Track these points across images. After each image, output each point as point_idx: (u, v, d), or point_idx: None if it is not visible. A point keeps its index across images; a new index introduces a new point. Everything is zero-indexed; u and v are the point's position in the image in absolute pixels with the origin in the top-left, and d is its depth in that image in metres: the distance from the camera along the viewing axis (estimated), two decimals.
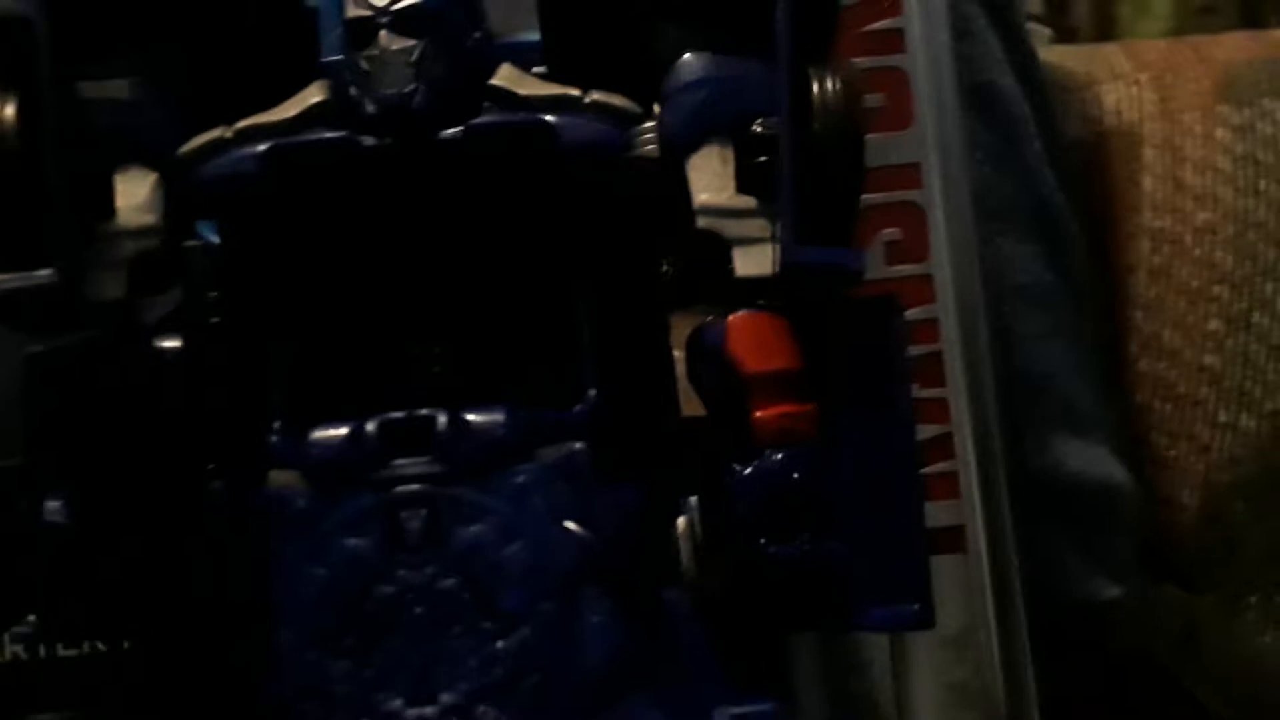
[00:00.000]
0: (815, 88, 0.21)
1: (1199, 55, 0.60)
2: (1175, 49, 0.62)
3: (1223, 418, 0.55)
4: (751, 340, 0.21)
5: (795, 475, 0.20)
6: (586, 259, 0.23)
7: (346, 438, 0.22)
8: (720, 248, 0.21)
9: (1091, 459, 0.45)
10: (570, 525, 0.21)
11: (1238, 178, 0.56)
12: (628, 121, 0.22)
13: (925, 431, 0.31)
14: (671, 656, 0.21)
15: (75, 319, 0.22)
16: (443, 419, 0.22)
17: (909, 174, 0.31)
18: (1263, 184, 0.57)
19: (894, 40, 0.31)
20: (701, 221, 0.22)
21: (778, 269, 0.21)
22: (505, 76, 0.22)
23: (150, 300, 0.23)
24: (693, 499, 0.22)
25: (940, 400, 0.31)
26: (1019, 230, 0.45)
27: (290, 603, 0.22)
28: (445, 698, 0.21)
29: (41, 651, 0.29)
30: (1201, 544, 0.54)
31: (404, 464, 0.22)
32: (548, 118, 0.22)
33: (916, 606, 0.21)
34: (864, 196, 0.30)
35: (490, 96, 0.22)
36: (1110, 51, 0.62)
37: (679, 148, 0.22)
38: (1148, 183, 0.56)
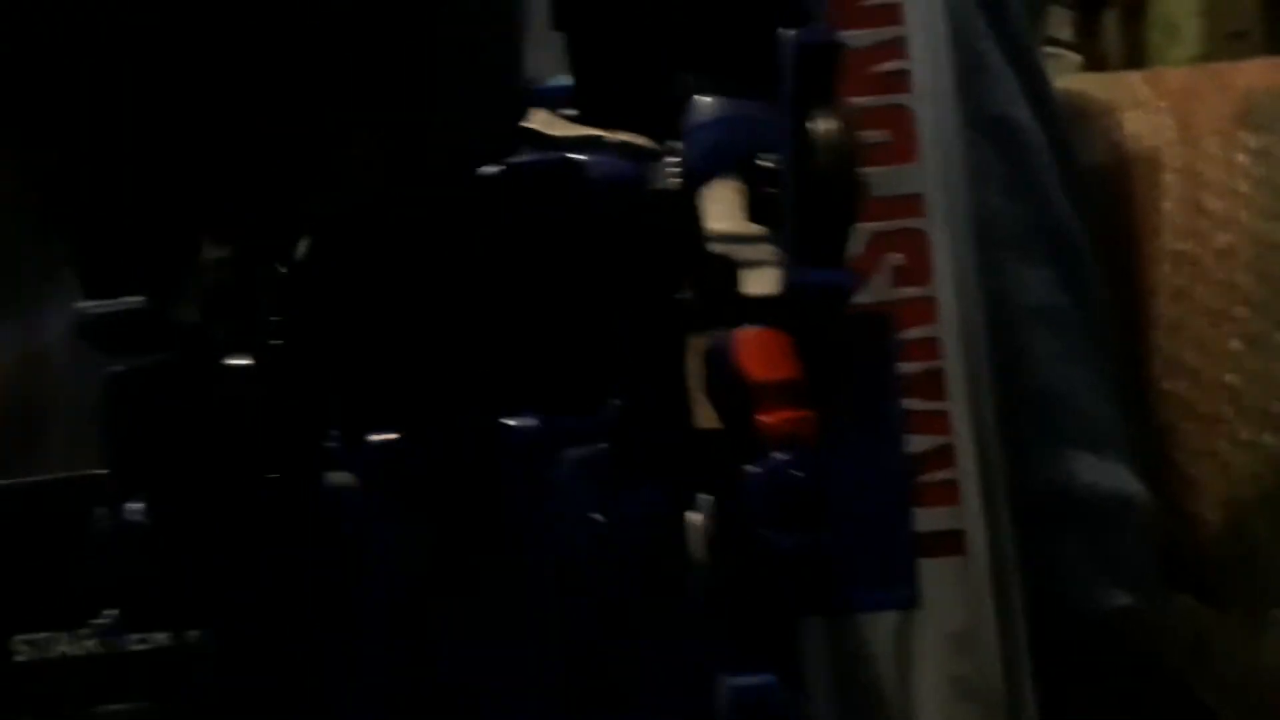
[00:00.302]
0: (814, 127, 0.23)
1: (1218, 82, 0.62)
2: (1195, 76, 0.63)
3: (1244, 436, 0.56)
4: (757, 352, 0.23)
5: (798, 474, 0.23)
6: (612, 282, 0.25)
7: (398, 443, 0.24)
8: (730, 270, 0.24)
9: (1105, 472, 0.47)
10: (597, 517, 0.24)
11: (1257, 201, 0.58)
12: (647, 158, 0.25)
13: (928, 442, 0.33)
14: (681, 636, 0.23)
15: (157, 343, 0.24)
16: (482, 424, 0.24)
17: (913, 203, 0.33)
18: None
19: (900, 81, 0.34)
20: (714, 247, 0.24)
21: (781, 289, 0.23)
22: (539, 120, 0.25)
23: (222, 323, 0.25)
24: (707, 496, 0.24)
25: (942, 413, 0.33)
26: (1033, 256, 0.47)
27: (347, 598, 0.24)
28: (493, 686, 0.23)
29: (117, 645, 0.31)
30: (1224, 560, 0.55)
31: (448, 466, 0.24)
32: (576, 156, 0.25)
33: (903, 590, 0.23)
34: (872, 224, 0.32)
35: (526, 138, 0.25)
36: (1132, 79, 0.63)
37: (696, 179, 0.25)
38: (1168, 207, 0.58)
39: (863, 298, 0.32)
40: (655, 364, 0.25)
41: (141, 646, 0.30)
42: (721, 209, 0.24)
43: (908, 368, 0.33)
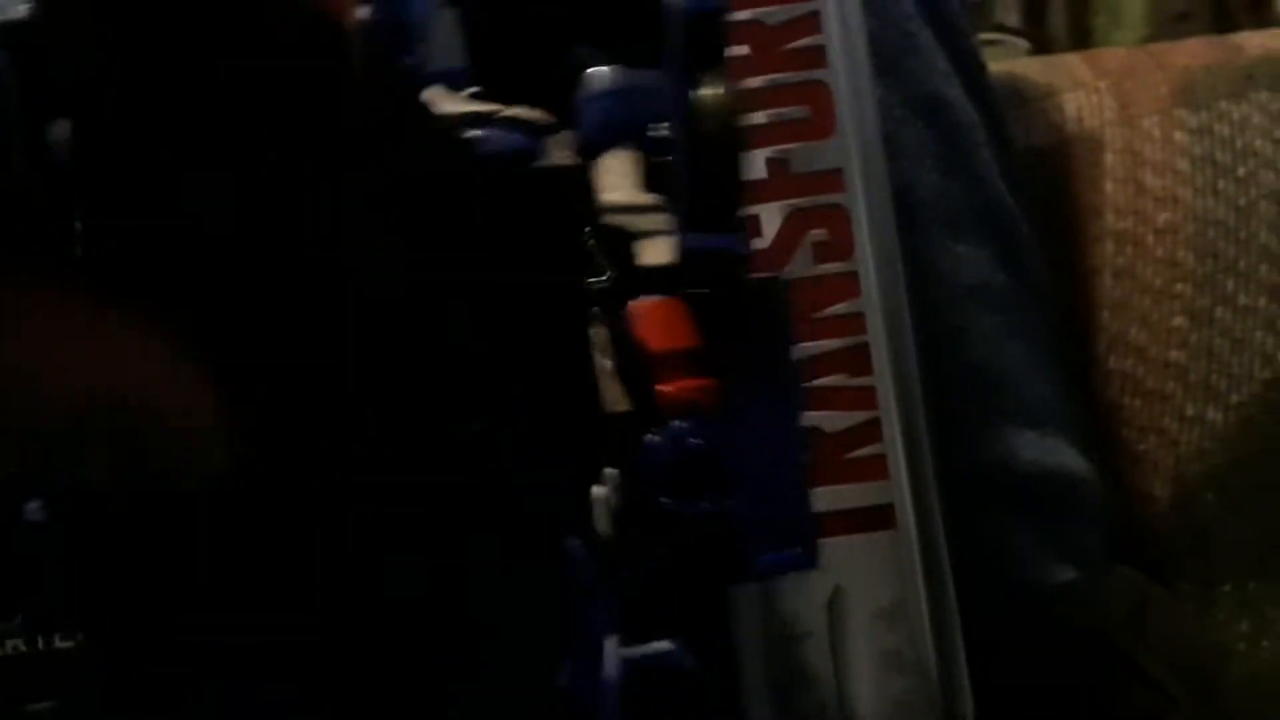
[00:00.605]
0: (701, 94, 0.23)
1: (1157, 62, 0.62)
2: (1134, 56, 0.64)
3: (1190, 411, 0.57)
4: (654, 323, 0.23)
5: (697, 441, 0.23)
6: (504, 258, 0.25)
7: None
8: (627, 241, 0.24)
9: (1047, 449, 0.47)
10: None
11: (1197, 179, 0.58)
12: (539, 132, 0.25)
13: (854, 418, 0.33)
14: (577, 604, 0.23)
15: None
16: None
17: (833, 179, 0.33)
18: (1221, 184, 0.58)
19: (816, 56, 0.34)
20: (608, 219, 0.24)
21: (676, 257, 0.23)
22: (431, 97, 0.25)
23: None
24: (611, 470, 0.24)
25: (868, 388, 0.33)
26: (969, 234, 0.47)
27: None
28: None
29: (40, 644, 0.31)
30: (1173, 536, 0.56)
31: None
32: (464, 132, 0.24)
33: (803, 551, 0.23)
34: (791, 200, 0.32)
35: (416, 115, 0.25)
36: (1070, 60, 0.64)
37: (591, 151, 0.25)
38: (1109, 186, 0.58)
39: (785, 273, 0.32)
40: (553, 343, 0.25)
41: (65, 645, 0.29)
42: (617, 180, 0.24)
43: (831, 343, 0.33)
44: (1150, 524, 0.56)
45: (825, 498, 0.32)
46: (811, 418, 0.32)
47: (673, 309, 0.24)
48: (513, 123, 0.24)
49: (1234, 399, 0.59)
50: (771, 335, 0.24)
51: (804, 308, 0.32)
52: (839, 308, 0.33)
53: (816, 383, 0.33)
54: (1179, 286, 0.59)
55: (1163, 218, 0.60)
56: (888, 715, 0.32)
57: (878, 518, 0.33)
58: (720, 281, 0.24)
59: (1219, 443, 0.58)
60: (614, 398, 0.25)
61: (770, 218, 0.33)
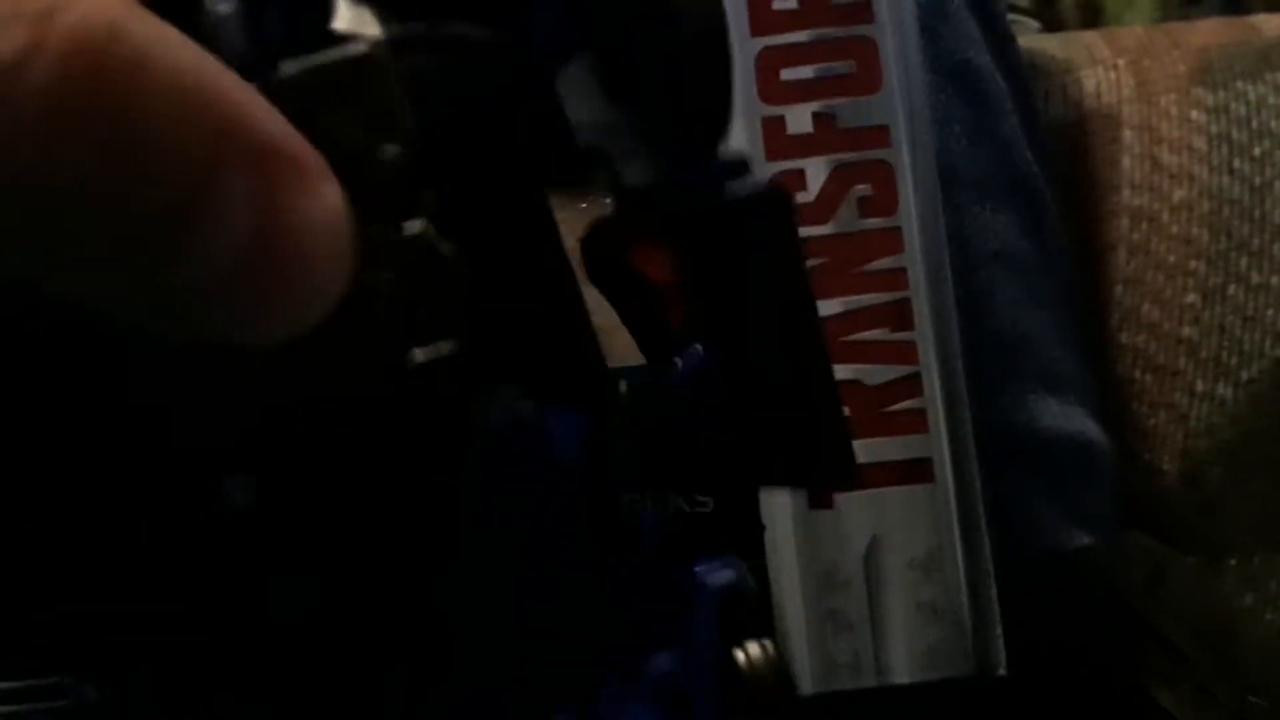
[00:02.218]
0: None
1: (1175, 40, 0.63)
2: (1152, 34, 0.64)
3: (1200, 387, 0.57)
4: (654, 252, 0.22)
5: (710, 365, 0.22)
6: (471, 190, 0.22)
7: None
8: (605, 161, 0.21)
9: (1066, 416, 0.48)
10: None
11: (1213, 157, 0.59)
12: (486, 51, 0.21)
13: (895, 372, 0.33)
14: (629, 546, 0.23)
15: None
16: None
17: (879, 134, 0.34)
18: (1236, 162, 0.59)
19: (864, 12, 0.34)
20: (582, 138, 0.21)
21: (662, 176, 0.21)
22: (346, 19, 0.20)
23: None
24: (628, 410, 0.23)
25: (909, 343, 0.33)
26: (995, 200, 0.47)
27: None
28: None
29: None
30: (1181, 509, 0.56)
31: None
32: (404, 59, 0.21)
33: (838, 467, 0.22)
34: (837, 155, 0.32)
35: (331, 43, 0.19)
36: (1089, 37, 0.64)
37: (545, 69, 0.21)
38: (1126, 163, 0.59)
39: (828, 229, 0.33)
40: (536, 275, 0.23)
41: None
42: (581, 98, 0.21)
43: (873, 298, 0.33)
44: (1158, 497, 0.57)
45: (864, 450, 0.32)
46: (852, 371, 0.32)
47: (670, 231, 0.22)
48: (451, 42, 0.20)
49: (1244, 375, 0.59)
50: (778, 246, 0.23)
51: (847, 262, 0.33)
52: (882, 263, 0.33)
53: (858, 337, 0.33)
54: (1192, 263, 0.60)
55: (1178, 195, 0.60)
56: (921, 664, 0.33)
57: (916, 471, 0.33)
58: (714, 195, 0.21)
59: (1228, 418, 0.59)
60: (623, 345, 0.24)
61: (815, 172, 0.33)
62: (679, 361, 0.22)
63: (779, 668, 0.23)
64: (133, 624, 0.22)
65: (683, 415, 0.22)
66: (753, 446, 0.22)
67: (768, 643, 0.23)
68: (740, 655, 0.22)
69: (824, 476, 0.23)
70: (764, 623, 0.24)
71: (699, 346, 0.22)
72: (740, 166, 0.22)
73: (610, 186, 0.22)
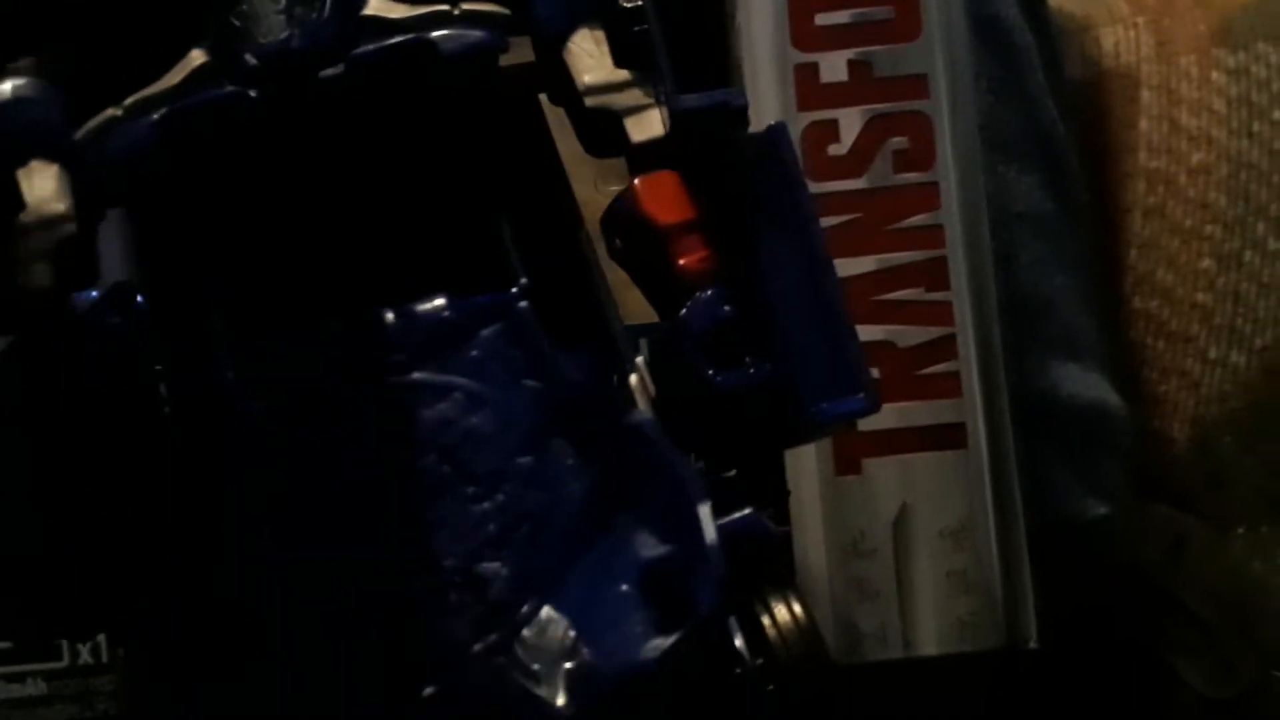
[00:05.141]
0: None
1: (1196, 0, 0.61)
2: None
3: (1213, 354, 0.56)
4: (659, 196, 0.23)
5: (726, 308, 0.22)
6: (488, 161, 0.24)
7: (301, 356, 0.23)
8: (613, 121, 0.23)
9: (1087, 383, 0.47)
10: (530, 382, 0.23)
11: (1232, 120, 0.57)
12: (501, 26, 0.24)
13: (929, 333, 0.32)
14: (651, 479, 0.23)
15: (8, 316, 0.22)
16: (389, 314, 0.23)
17: (917, 84, 0.32)
18: (1256, 126, 0.58)
19: None
20: (590, 101, 0.23)
21: (668, 126, 0.23)
22: (376, 6, 0.23)
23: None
24: (639, 358, 0.24)
25: (945, 303, 0.32)
26: (1021, 160, 0.46)
27: (285, 511, 0.23)
28: (448, 563, 0.22)
29: None
30: (1191, 476, 0.56)
31: (360, 364, 0.23)
32: (424, 35, 0.23)
33: (861, 395, 0.22)
34: (873, 106, 0.31)
35: (365, 27, 0.23)
36: None
37: (553, 37, 0.24)
38: (1144, 124, 0.57)
39: (862, 183, 0.31)
40: (554, 237, 0.24)
41: None
42: (587, 61, 0.23)
43: (908, 255, 0.32)
44: (1168, 465, 0.56)
45: (896, 414, 0.31)
46: (884, 331, 0.31)
47: (676, 180, 0.23)
48: (469, 19, 0.23)
49: (1258, 343, 0.58)
50: (780, 181, 0.23)
51: (881, 218, 0.31)
52: (917, 219, 0.32)
53: (891, 296, 0.32)
54: (1209, 228, 0.59)
55: (1196, 158, 0.59)
56: (950, 635, 0.32)
57: (949, 436, 0.32)
58: (717, 137, 0.23)
59: (1240, 386, 0.58)
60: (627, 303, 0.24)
61: (849, 122, 0.32)
62: (689, 304, 0.22)
63: (809, 631, 0.22)
64: None
65: (698, 360, 0.22)
66: (767, 376, 0.22)
67: (797, 606, 0.22)
68: (767, 620, 0.22)
69: (846, 411, 0.23)
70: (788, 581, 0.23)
71: (708, 290, 0.22)
72: (736, 97, 0.23)
73: (620, 145, 0.24)
